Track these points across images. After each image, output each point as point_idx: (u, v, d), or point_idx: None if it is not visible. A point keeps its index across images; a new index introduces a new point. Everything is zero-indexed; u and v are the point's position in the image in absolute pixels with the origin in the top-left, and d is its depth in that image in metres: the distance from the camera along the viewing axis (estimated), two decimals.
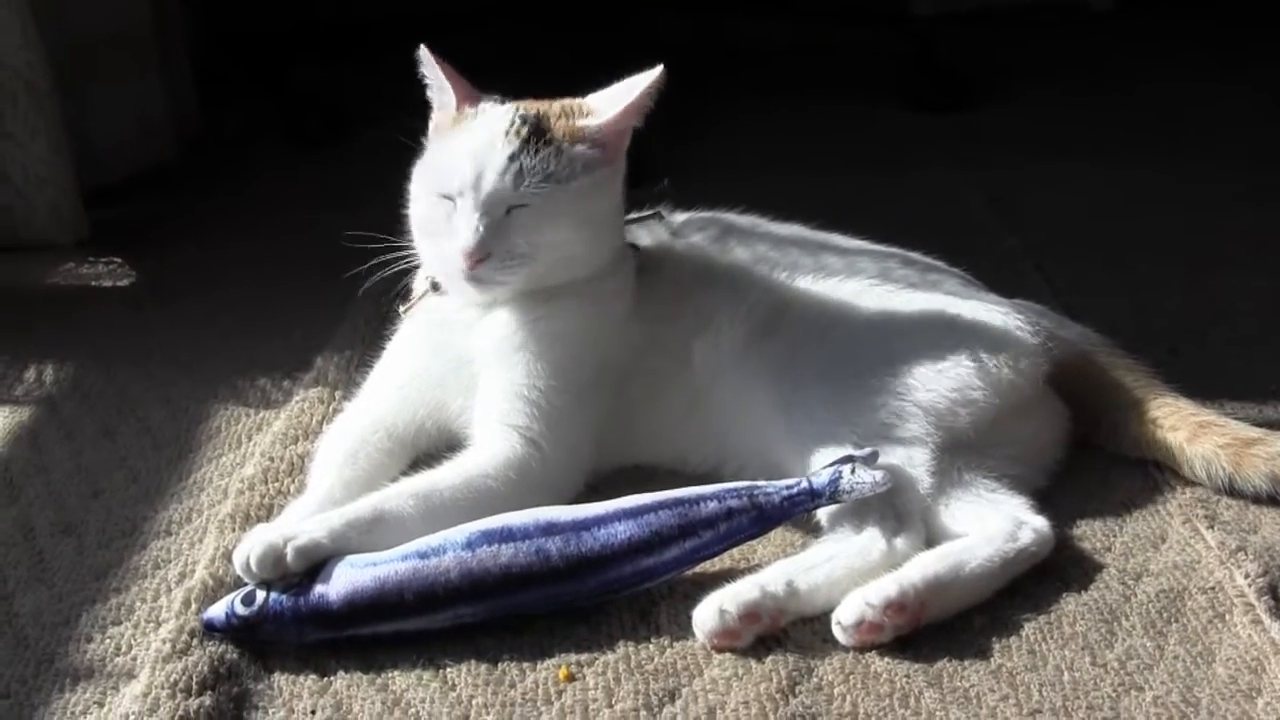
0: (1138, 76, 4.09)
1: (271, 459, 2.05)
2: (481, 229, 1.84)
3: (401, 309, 2.01)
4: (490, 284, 1.89)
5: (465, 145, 1.88)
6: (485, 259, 1.85)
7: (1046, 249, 2.86)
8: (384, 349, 2.12)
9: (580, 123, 1.91)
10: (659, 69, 1.94)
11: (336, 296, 2.65)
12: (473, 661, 1.64)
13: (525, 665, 1.63)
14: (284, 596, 1.64)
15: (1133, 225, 3.03)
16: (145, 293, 2.90)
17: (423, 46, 1.94)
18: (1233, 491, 1.90)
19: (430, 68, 1.95)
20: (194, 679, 1.58)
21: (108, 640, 1.71)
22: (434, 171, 1.91)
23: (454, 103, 1.94)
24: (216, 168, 3.64)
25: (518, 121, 1.88)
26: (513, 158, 1.85)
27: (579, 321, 1.93)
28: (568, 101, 1.97)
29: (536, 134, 1.87)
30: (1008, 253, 2.83)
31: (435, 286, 2.00)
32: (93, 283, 2.96)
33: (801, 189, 3.18)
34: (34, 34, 2.95)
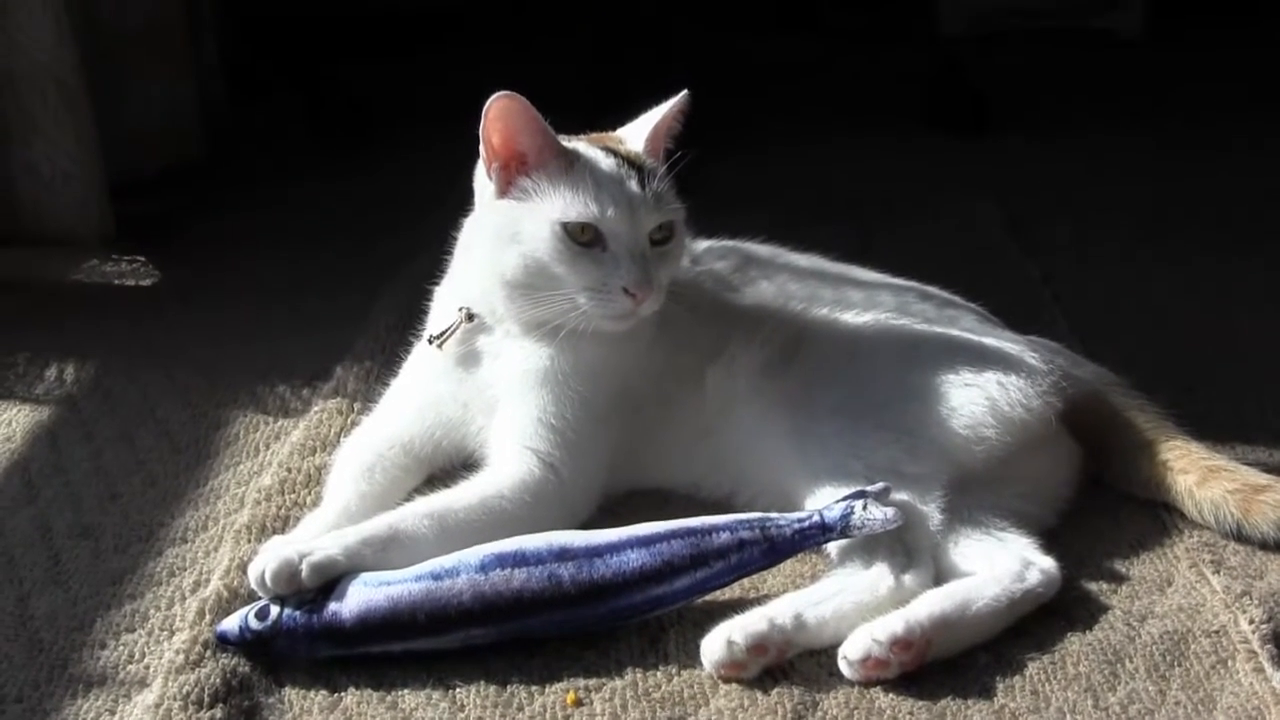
0: (1163, 105, 4.08)
1: (289, 470, 2.07)
2: (646, 264, 1.86)
3: (435, 341, 2.01)
4: (641, 317, 1.89)
5: (599, 185, 1.86)
6: (651, 292, 1.86)
7: (1065, 279, 2.85)
8: (402, 364, 2.13)
9: (631, 149, 1.95)
10: (683, 93, 1.96)
11: (359, 304, 2.69)
12: (482, 683, 1.65)
13: (534, 688, 1.65)
14: (298, 612, 1.66)
15: (1154, 257, 3.03)
16: (168, 293, 2.93)
17: (515, 96, 1.83)
18: (1240, 537, 1.90)
19: (522, 116, 1.85)
20: (206, 691, 1.60)
21: (121, 647, 1.73)
22: (566, 214, 1.85)
23: (553, 149, 1.88)
24: (244, 166, 3.67)
25: (616, 157, 1.90)
26: (643, 186, 1.87)
27: (606, 351, 1.93)
28: (597, 136, 1.99)
29: (636, 166, 1.90)
30: (1026, 282, 2.83)
31: (470, 317, 1.99)
32: (116, 281, 2.99)
33: (824, 212, 3.19)
34: (68, 31, 2.98)
